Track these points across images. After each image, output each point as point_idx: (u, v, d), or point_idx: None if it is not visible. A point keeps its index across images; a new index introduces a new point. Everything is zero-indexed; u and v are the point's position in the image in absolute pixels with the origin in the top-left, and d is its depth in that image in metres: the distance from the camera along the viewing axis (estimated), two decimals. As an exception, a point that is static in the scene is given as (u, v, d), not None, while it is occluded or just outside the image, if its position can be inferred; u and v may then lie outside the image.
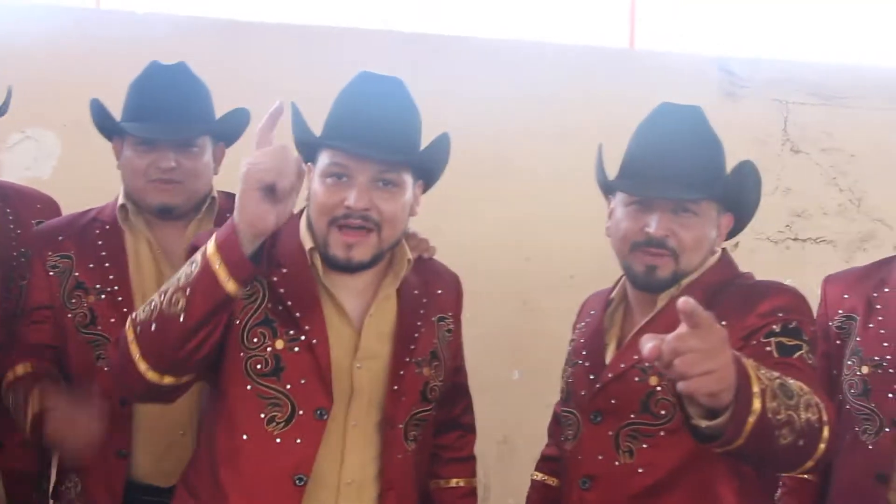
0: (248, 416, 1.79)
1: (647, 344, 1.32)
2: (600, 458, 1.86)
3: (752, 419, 1.39)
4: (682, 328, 1.32)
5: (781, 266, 3.96)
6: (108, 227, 2.28)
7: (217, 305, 1.63)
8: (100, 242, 2.26)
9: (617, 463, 1.84)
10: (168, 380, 1.70)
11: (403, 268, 1.91)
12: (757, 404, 1.39)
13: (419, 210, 1.90)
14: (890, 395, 2.07)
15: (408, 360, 1.89)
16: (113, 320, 2.18)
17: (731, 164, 4.25)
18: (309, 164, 1.85)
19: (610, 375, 1.87)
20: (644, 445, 1.82)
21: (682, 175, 1.84)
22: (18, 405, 2.16)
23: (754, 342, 1.75)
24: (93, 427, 2.04)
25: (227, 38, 3.63)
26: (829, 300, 2.30)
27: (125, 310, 2.16)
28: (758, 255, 4.02)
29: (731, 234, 1.99)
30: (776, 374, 1.51)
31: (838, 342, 2.23)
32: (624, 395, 1.85)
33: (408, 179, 1.84)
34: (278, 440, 1.78)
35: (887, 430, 2.07)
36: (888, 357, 2.09)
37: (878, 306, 2.17)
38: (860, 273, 2.30)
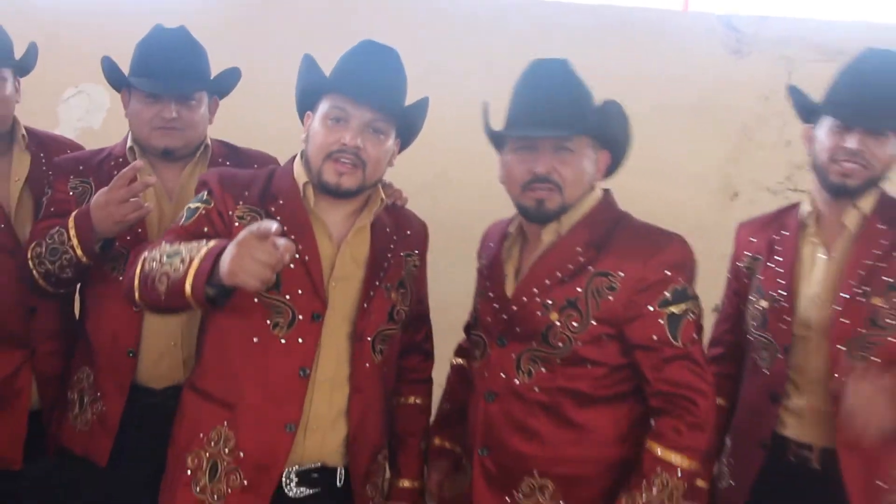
0: (257, 323, 2.02)
1: None
2: (503, 375, 2.08)
3: None
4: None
5: (779, 215, 4.12)
6: (120, 160, 2.51)
7: (182, 305, 1.87)
8: (114, 173, 2.39)
9: (517, 381, 2.06)
10: (160, 312, 2.07)
11: (377, 205, 2.14)
12: None
13: (395, 162, 2.16)
14: (783, 326, 2.27)
15: (377, 283, 2.11)
16: (128, 238, 2.40)
17: (733, 120, 4.32)
18: (308, 112, 2.11)
19: (514, 308, 2.07)
20: (542, 369, 2.04)
21: (556, 118, 2.02)
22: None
23: (651, 308, 1.98)
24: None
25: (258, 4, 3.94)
26: (739, 243, 2.48)
27: (139, 230, 2.42)
28: (757, 205, 4.09)
29: (610, 170, 2.17)
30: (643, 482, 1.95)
31: (746, 281, 2.42)
32: (527, 326, 2.05)
33: (392, 132, 2.09)
34: (283, 341, 2.02)
35: (780, 356, 2.28)
36: (782, 293, 2.28)
37: (778, 248, 2.35)
38: (766, 219, 2.48)
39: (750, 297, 2.38)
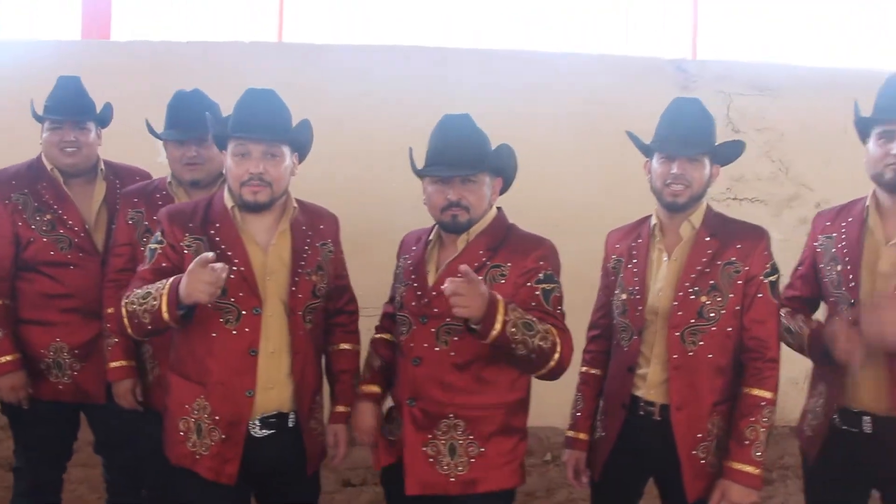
0: (213, 321, 2.21)
1: (446, 284, 2.03)
2: (426, 345, 2.25)
3: (493, 333, 2.05)
4: (459, 279, 2.02)
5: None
6: (163, 192, 2.76)
7: (164, 327, 2.14)
8: (160, 203, 2.67)
9: (437, 349, 2.23)
10: (150, 336, 2.33)
11: (290, 212, 2.31)
12: (498, 326, 2.05)
13: (297, 171, 2.33)
14: (637, 314, 2.37)
15: (300, 271, 2.29)
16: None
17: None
18: (223, 150, 2.28)
19: (434, 293, 2.24)
20: (455, 338, 2.22)
21: (462, 160, 2.21)
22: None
23: (529, 284, 2.22)
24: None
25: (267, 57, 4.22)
26: (607, 248, 2.56)
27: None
28: None
29: (503, 189, 2.35)
30: (530, 316, 2.12)
31: (612, 278, 2.50)
32: (442, 306, 2.17)
33: (286, 151, 2.26)
34: (234, 332, 2.21)
35: (635, 337, 2.37)
36: (637, 288, 2.38)
37: (634, 252, 2.44)
38: (628, 228, 2.53)
39: (615, 291, 2.46)
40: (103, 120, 2.93)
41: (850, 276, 2.34)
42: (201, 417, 2.25)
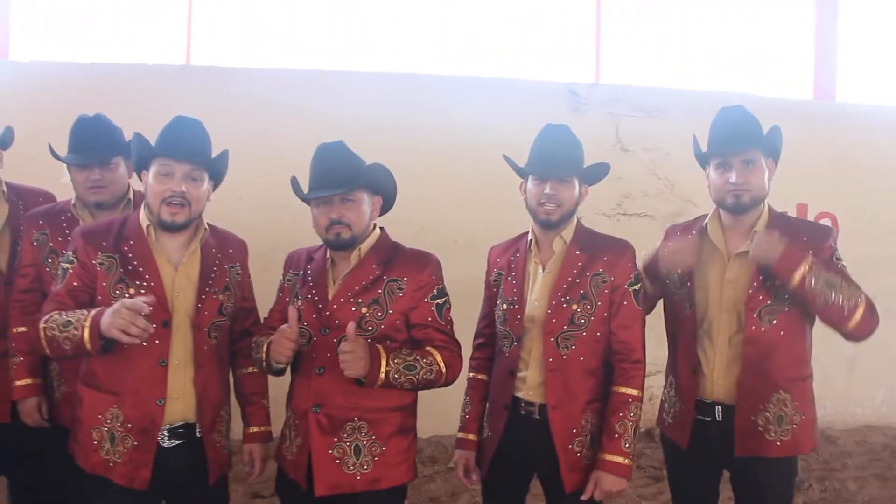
0: None
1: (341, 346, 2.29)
2: (328, 355, 2.37)
3: (378, 384, 2.32)
4: (346, 342, 2.26)
5: (613, 234, 4.42)
6: (69, 214, 2.84)
7: (86, 354, 2.28)
8: (64, 224, 2.79)
9: (340, 357, 2.30)
10: (67, 359, 2.44)
11: (201, 233, 2.46)
12: (382, 377, 2.31)
13: (212, 197, 2.48)
14: (516, 322, 2.57)
15: (207, 289, 2.43)
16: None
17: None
18: (144, 171, 2.41)
19: (335, 306, 2.40)
20: None
21: (338, 180, 2.36)
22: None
23: (426, 300, 2.44)
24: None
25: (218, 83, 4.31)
26: (490, 261, 2.76)
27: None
28: (595, 226, 4.35)
29: (385, 208, 2.52)
30: (412, 358, 2.37)
31: (495, 290, 2.70)
32: (344, 318, 2.36)
33: (206, 177, 2.42)
34: (145, 344, 2.28)
35: (515, 343, 2.57)
36: (515, 299, 2.58)
37: (513, 266, 2.64)
38: (508, 243, 2.73)
39: (497, 302, 2.66)
40: (3, 142, 2.99)
41: (688, 282, 2.67)
42: (114, 426, 2.36)
